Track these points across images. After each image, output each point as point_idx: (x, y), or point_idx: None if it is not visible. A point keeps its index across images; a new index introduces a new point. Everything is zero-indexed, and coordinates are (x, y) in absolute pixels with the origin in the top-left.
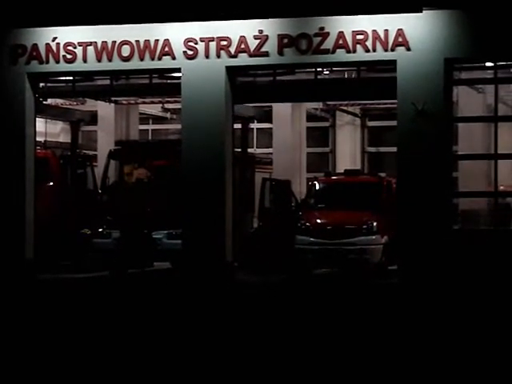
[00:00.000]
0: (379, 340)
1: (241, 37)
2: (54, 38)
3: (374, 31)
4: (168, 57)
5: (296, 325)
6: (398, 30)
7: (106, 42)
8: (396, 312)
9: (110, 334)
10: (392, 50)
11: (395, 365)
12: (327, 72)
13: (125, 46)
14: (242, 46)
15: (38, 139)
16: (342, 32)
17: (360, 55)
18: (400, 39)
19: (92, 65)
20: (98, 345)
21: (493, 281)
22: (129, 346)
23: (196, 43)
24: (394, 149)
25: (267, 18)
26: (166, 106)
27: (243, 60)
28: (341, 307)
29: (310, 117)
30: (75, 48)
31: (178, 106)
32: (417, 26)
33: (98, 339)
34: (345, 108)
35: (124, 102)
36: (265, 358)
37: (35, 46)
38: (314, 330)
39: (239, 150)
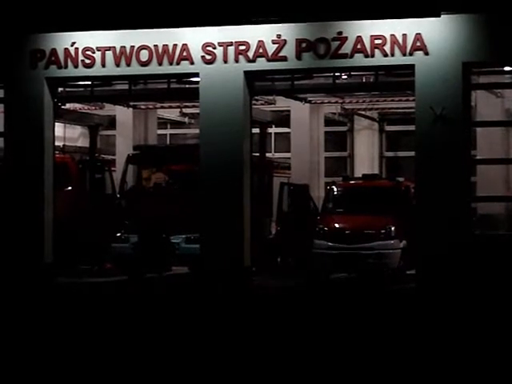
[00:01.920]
0: (395, 346)
1: (259, 41)
2: (73, 43)
3: (392, 36)
4: (186, 61)
5: (311, 330)
6: (416, 34)
7: (124, 46)
8: (414, 318)
9: (125, 338)
10: (410, 54)
11: (411, 371)
12: (345, 76)
13: (143, 51)
14: (260, 51)
15: (56, 144)
16: (360, 36)
17: (378, 60)
18: (418, 44)
19: (110, 69)
20: (110, 349)
21: (511, 285)
22: (142, 350)
23: (214, 48)
24: (412, 153)
25: (285, 22)
26: (184, 110)
27: (261, 64)
28: (357, 312)
29: (328, 121)
30: (94, 53)
31: (196, 110)
32: (435, 31)
33: (111, 343)
34: (363, 112)
35: (142, 106)
36: (280, 363)
37: (54, 51)
38: (330, 335)
39: (257, 154)
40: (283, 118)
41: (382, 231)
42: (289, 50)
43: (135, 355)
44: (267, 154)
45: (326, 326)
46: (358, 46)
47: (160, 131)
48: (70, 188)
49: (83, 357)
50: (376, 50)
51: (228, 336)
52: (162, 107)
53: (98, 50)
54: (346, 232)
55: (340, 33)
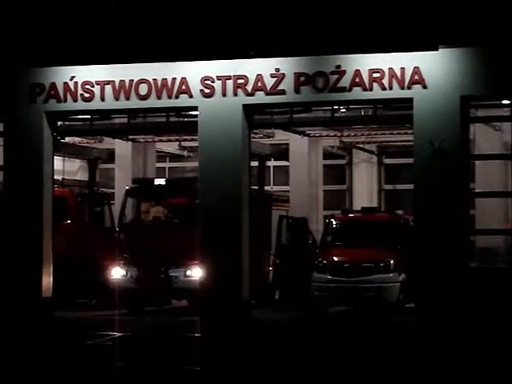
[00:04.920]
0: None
1: (257, 75)
2: (72, 77)
3: (391, 69)
4: (185, 95)
5: (311, 364)
6: (415, 67)
7: (123, 80)
8: (413, 353)
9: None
10: (408, 87)
11: None
12: (344, 110)
13: (142, 85)
14: (259, 85)
15: (55, 177)
16: (359, 70)
17: (376, 93)
18: (416, 77)
19: (110, 103)
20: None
21: (510, 319)
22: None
23: (213, 81)
24: (411, 186)
25: (284, 56)
26: (183, 143)
27: (260, 98)
28: (357, 347)
29: (327, 154)
30: (93, 87)
31: (194, 143)
32: (433, 64)
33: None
34: (361, 145)
35: (141, 140)
36: None
37: (53, 85)
38: (329, 368)
39: (256, 187)
40: (282, 151)
41: (381, 264)
42: (287, 84)
43: None
44: (266, 187)
45: (326, 360)
46: (357, 80)
47: (159, 164)
48: (68, 221)
49: None
50: (374, 84)
51: (226, 370)
52: (161, 140)
53: (97, 84)
54: (345, 265)
55: (338, 66)
